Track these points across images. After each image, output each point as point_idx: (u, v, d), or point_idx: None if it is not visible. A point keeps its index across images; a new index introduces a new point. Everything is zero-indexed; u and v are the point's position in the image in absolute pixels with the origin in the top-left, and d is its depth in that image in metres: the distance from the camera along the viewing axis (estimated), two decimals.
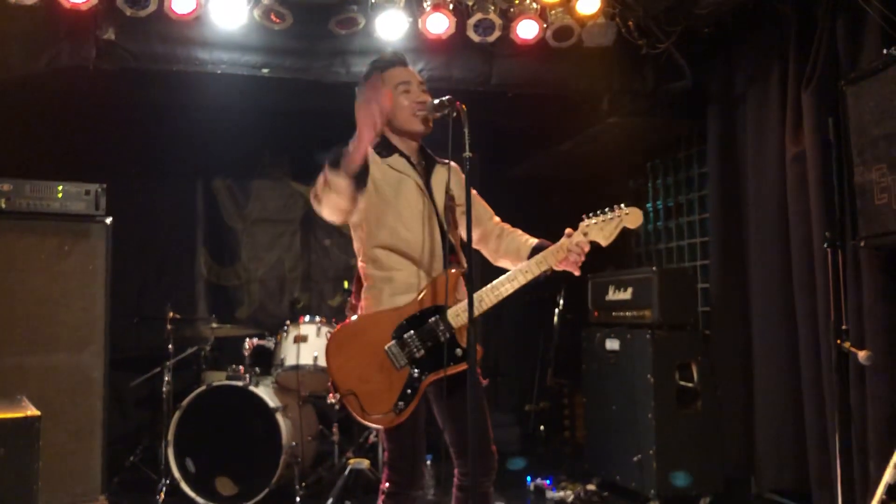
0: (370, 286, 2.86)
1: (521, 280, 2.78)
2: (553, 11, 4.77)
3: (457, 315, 2.73)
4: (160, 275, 6.48)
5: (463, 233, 2.80)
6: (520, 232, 3.05)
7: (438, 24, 4.65)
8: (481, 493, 2.82)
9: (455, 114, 2.70)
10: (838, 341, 3.73)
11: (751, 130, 4.86)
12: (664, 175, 6.30)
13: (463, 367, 2.68)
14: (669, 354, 4.83)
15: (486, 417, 2.83)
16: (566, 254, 2.78)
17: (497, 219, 3.10)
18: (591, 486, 5.16)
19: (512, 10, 4.76)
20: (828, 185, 4.07)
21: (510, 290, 2.77)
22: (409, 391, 2.70)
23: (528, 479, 5.35)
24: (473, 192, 2.91)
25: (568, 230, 2.84)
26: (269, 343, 5.20)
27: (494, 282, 2.78)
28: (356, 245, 2.94)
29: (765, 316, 4.75)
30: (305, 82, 4.96)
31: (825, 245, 3.86)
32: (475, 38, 4.75)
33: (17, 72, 4.46)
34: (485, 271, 3.01)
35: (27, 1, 4.15)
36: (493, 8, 4.70)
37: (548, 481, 5.24)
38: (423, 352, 2.73)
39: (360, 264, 2.91)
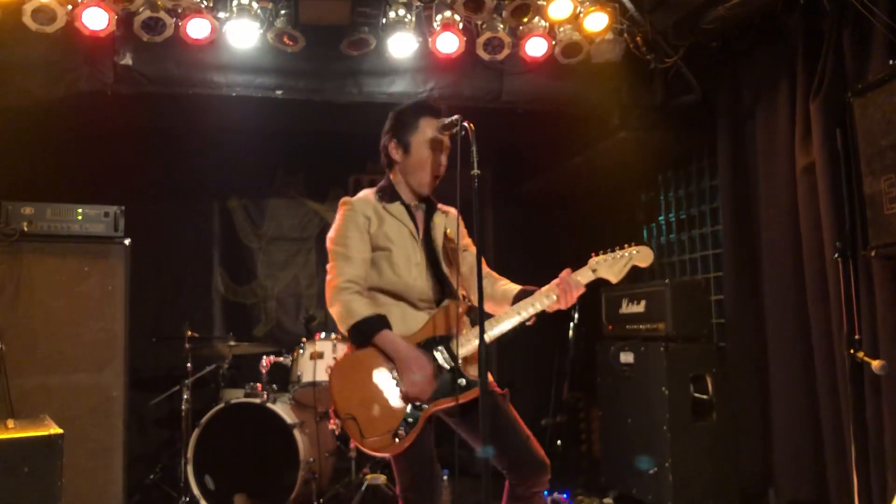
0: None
1: (519, 318, 2.84)
2: (561, 29, 4.83)
3: (461, 346, 2.80)
4: (178, 294, 6.55)
5: (463, 272, 2.99)
6: (501, 278, 3.12)
7: (448, 44, 4.72)
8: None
9: (464, 132, 2.74)
10: (851, 351, 3.74)
11: (760, 143, 4.89)
12: (675, 188, 6.32)
13: (468, 396, 2.75)
14: (683, 367, 4.84)
15: (523, 429, 2.88)
16: (559, 292, 2.83)
17: (485, 266, 3.11)
18: (607, 500, 5.17)
19: (521, 28, 4.82)
20: (838, 196, 4.10)
21: (509, 327, 2.85)
22: (410, 420, 2.73)
23: (546, 493, 5.34)
24: (469, 240, 3.11)
25: (566, 271, 2.90)
26: (286, 360, 5.25)
27: (494, 317, 2.85)
28: None
29: (779, 327, 4.75)
30: (319, 103, 5.04)
31: (836, 256, 3.88)
32: (485, 56, 4.82)
33: (38, 97, 4.58)
34: None
35: (48, 29, 4.26)
36: (502, 26, 4.76)
37: (565, 495, 5.24)
38: None
39: None
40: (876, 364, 3.60)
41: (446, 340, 2.80)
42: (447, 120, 2.86)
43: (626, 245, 2.93)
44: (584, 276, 2.88)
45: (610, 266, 2.88)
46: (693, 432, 4.78)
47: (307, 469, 4.84)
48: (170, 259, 6.51)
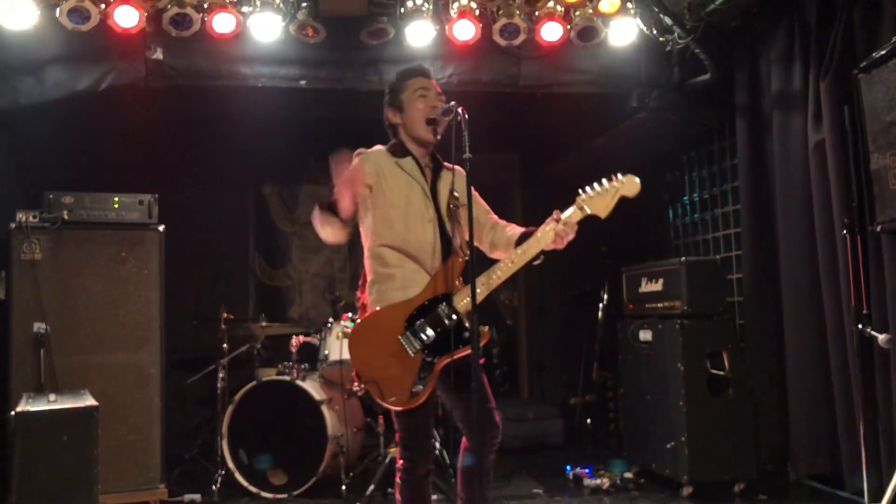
0: (373, 282, 3.10)
1: (519, 262, 2.96)
2: (577, 13, 4.91)
3: (461, 301, 2.94)
4: (216, 278, 6.83)
5: (465, 230, 3.01)
6: (508, 224, 3.23)
7: (465, 31, 4.83)
8: (482, 466, 3.02)
9: (458, 118, 2.87)
10: (860, 326, 3.80)
11: (776, 121, 4.91)
12: (699, 167, 6.36)
13: (468, 349, 2.88)
14: (699, 343, 4.91)
15: (487, 393, 3.03)
16: (555, 235, 2.93)
17: (493, 216, 3.28)
18: (628, 474, 5.27)
19: (536, 13, 4.91)
20: (846, 173, 4.13)
21: (508, 273, 2.97)
22: (423, 375, 2.93)
23: (568, 468, 5.49)
24: (474, 192, 3.15)
25: (555, 212, 2.97)
26: (315, 340, 5.45)
27: (493, 267, 2.99)
28: (363, 240, 3.18)
29: (794, 304, 4.79)
30: (342, 92, 5.21)
31: (844, 231, 3.93)
32: (501, 42, 4.92)
33: (75, 91, 4.83)
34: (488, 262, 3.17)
35: (83, 27, 4.50)
36: (517, 12, 4.86)
37: (587, 470, 5.36)
38: (433, 337, 2.95)
39: (365, 261, 3.16)
40: (882, 338, 3.68)
41: (448, 297, 2.96)
42: (444, 106, 2.99)
43: (612, 176, 2.92)
44: (573, 215, 2.94)
45: (597, 201, 2.92)
46: (709, 408, 4.85)
47: (335, 444, 5.04)
48: (208, 244, 6.78)
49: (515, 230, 3.15)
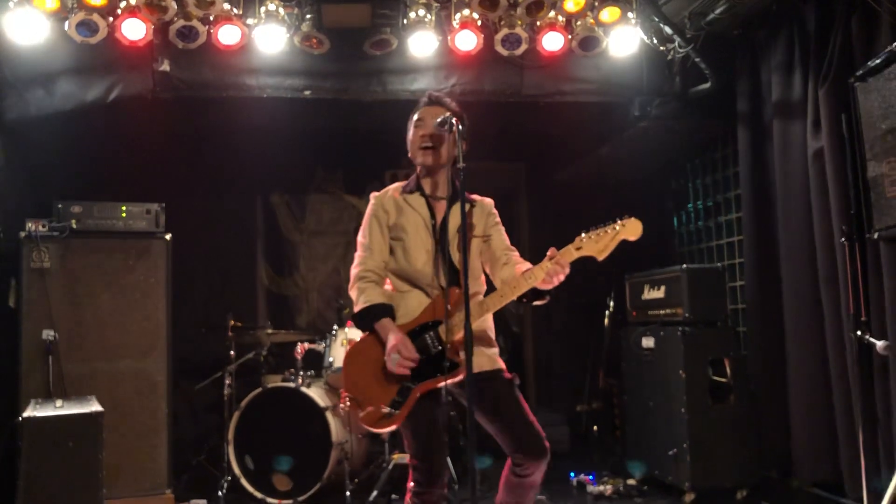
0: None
1: (507, 298, 2.95)
2: (578, 23, 4.95)
3: (448, 330, 2.96)
4: (225, 286, 6.87)
5: (477, 259, 3.14)
6: (521, 261, 3.15)
7: (467, 41, 4.89)
8: (531, 483, 3.04)
9: (452, 130, 2.92)
10: (858, 333, 3.81)
11: (777, 129, 4.94)
12: (703, 175, 6.39)
13: (453, 378, 2.91)
14: (701, 350, 4.93)
15: (527, 413, 3.04)
16: (545, 274, 2.86)
17: (514, 253, 3.21)
18: (631, 481, 5.29)
19: (537, 23, 4.95)
20: (844, 181, 4.15)
21: (499, 305, 2.98)
22: (398, 399, 2.95)
23: (572, 474, 5.51)
24: (500, 225, 3.22)
25: (551, 250, 2.90)
26: (320, 347, 5.50)
27: (484, 299, 3.01)
28: None
29: (795, 311, 4.81)
30: (346, 102, 5.27)
31: (842, 239, 3.96)
32: (503, 52, 4.97)
33: (85, 103, 4.94)
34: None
35: (92, 40, 4.59)
36: (519, 22, 4.91)
37: (590, 477, 5.39)
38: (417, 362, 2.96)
39: None
40: (880, 344, 3.68)
41: (437, 325, 2.99)
42: (440, 118, 3.03)
43: (617, 218, 2.84)
44: (566, 255, 2.85)
45: (595, 243, 2.83)
46: (711, 414, 4.87)
47: (340, 450, 5.08)
48: (217, 253, 6.83)
49: (522, 266, 3.07)
